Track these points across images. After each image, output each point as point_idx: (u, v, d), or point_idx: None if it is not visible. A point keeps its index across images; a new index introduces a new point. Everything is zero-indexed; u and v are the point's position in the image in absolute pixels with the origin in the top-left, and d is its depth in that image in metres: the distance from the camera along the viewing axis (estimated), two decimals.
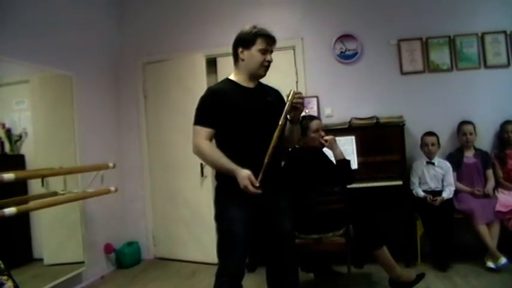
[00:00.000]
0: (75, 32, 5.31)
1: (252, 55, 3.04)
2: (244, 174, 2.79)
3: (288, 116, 2.99)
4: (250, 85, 3.14)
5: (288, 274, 3.25)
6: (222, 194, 3.13)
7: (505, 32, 5.57)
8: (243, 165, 2.87)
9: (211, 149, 2.97)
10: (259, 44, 3.02)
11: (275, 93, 3.28)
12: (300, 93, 2.96)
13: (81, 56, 5.40)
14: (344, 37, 5.82)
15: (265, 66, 3.07)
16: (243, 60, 3.09)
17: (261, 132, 2.92)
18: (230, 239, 3.02)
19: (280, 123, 2.91)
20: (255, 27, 3.08)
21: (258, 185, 2.78)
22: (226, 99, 3.00)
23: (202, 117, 3.03)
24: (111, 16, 6.25)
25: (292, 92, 2.93)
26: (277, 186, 3.14)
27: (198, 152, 3.00)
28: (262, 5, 5.98)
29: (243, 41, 3.07)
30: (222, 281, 3.06)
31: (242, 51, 3.07)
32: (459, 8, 5.64)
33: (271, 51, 3.10)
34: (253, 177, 2.77)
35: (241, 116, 2.99)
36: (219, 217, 3.12)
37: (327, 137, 4.11)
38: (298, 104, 2.94)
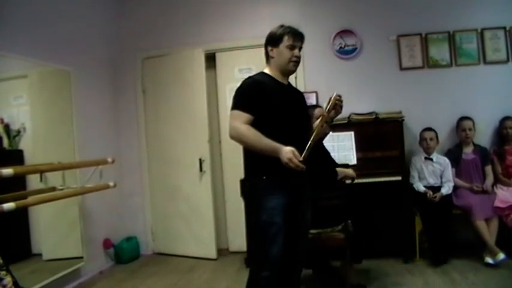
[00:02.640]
0: (73, 27, 5.30)
1: (280, 52, 3.15)
2: (288, 149, 2.81)
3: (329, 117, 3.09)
4: (284, 82, 3.25)
5: (297, 269, 3.35)
6: (261, 188, 3.11)
7: (504, 28, 5.58)
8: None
9: (251, 130, 2.97)
10: (286, 41, 3.13)
11: (302, 94, 3.47)
12: (341, 96, 3.05)
13: (80, 51, 5.39)
14: (343, 32, 5.82)
15: (294, 61, 3.15)
16: (273, 57, 3.20)
17: (295, 126, 3.03)
18: (272, 229, 3.04)
19: (325, 114, 3.02)
20: (282, 26, 3.20)
21: (301, 159, 2.80)
22: (268, 90, 3.08)
23: (243, 103, 3.06)
24: (109, 11, 6.23)
25: (335, 94, 3.04)
26: (307, 175, 3.19)
27: (237, 133, 3.00)
28: (261, 0, 5.98)
29: (272, 40, 3.20)
30: (264, 276, 3.05)
31: (272, 49, 3.20)
32: (459, 3, 5.65)
33: (300, 48, 3.19)
34: (297, 152, 2.80)
35: (281, 108, 3.06)
36: (258, 210, 3.10)
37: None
38: (337, 106, 3.04)
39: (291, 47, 3.12)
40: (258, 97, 3.03)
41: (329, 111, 3.01)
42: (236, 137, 3.03)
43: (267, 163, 2.98)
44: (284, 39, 3.12)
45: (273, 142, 2.87)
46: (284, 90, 3.19)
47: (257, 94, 3.04)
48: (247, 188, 3.25)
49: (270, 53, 3.20)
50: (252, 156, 3.14)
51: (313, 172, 3.63)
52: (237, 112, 3.03)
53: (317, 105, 4.47)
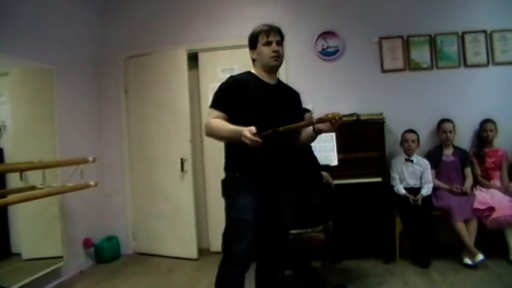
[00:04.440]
0: (56, 25, 5.26)
1: (259, 51, 3.19)
2: (246, 128, 2.76)
3: (317, 126, 3.05)
4: (271, 81, 3.24)
5: (278, 270, 3.32)
6: (232, 184, 3.17)
7: (485, 31, 5.64)
8: (257, 159, 2.98)
9: (218, 121, 3.00)
10: (261, 40, 3.17)
11: (295, 94, 3.47)
12: (341, 118, 2.95)
13: (62, 49, 5.35)
14: (326, 34, 5.84)
15: (274, 56, 3.14)
16: (255, 59, 3.24)
17: (277, 126, 2.88)
18: (241, 226, 3.05)
19: (313, 120, 3.00)
20: (258, 26, 3.24)
21: (255, 132, 2.73)
22: (249, 90, 3.09)
23: (218, 101, 3.10)
24: (93, 9, 6.19)
25: (338, 114, 2.92)
26: (288, 176, 3.23)
27: (208, 128, 3.06)
28: (244, 0, 6.00)
29: (250, 44, 3.27)
30: (229, 271, 3.08)
31: (253, 52, 3.26)
32: (440, 7, 5.70)
33: (278, 42, 3.19)
34: (253, 129, 2.73)
35: (261, 109, 3.05)
36: (230, 206, 3.15)
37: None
38: (333, 123, 2.93)
39: (268, 43, 3.14)
40: (236, 96, 3.05)
41: (321, 120, 2.95)
42: (208, 132, 3.08)
43: (241, 160, 3.04)
44: (259, 38, 3.16)
45: (236, 127, 2.86)
46: (269, 90, 3.19)
47: (235, 93, 3.07)
48: (222, 183, 3.26)
49: (252, 56, 3.25)
50: (228, 152, 3.20)
51: (299, 173, 3.66)
52: (210, 110, 3.10)
53: (307, 110, 4.43)
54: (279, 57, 3.17)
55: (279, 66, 3.25)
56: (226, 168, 3.23)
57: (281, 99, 3.22)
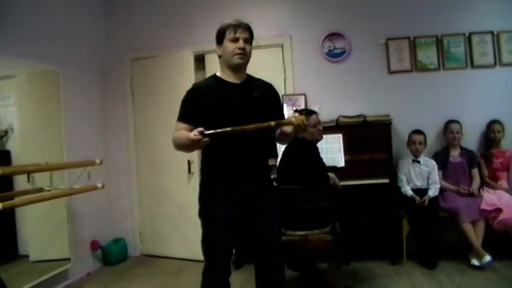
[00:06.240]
0: (63, 27, 5.28)
1: (224, 47, 3.04)
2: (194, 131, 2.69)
3: (282, 128, 2.97)
4: (236, 80, 3.09)
5: (276, 273, 3.23)
6: (205, 190, 3.12)
7: (492, 32, 5.62)
8: (228, 162, 2.93)
9: (178, 132, 2.95)
10: (228, 35, 3.02)
11: (265, 87, 3.24)
12: (304, 123, 2.90)
13: (69, 52, 5.37)
14: (332, 35, 5.83)
15: (238, 53, 3.00)
16: (220, 56, 3.10)
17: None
18: (214, 236, 3.02)
19: (270, 122, 2.81)
20: (227, 21, 3.09)
21: (201, 130, 2.62)
22: (208, 96, 2.99)
23: (182, 113, 3.05)
24: (99, 12, 6.22)
25: (302, 118, 2.87)
26: (263, 184, 3.14)
27: (173, 142, 2.99)
28: (251, 2, 6.01)
29: (217, 38, 3.11)
30: (208, 279, 3.07)
31: (218, 48, 3.10)
32: (447, 8, 5.68)
33: (246, 40, 3.04)
34: (200, 129, 2.65)
35: (224, 112, 2.95)
36: (202, 214, 3.10)
37: None
38: (295, 128, 2.89)
39: (234, 40, 3.00)
40: (197, 104, 2.99)
41: (281, 122, 2.88)
42: (174, 146, 3.01)
43: (214, 169, 2.99)
44: (226, 34, 3.02)
45: (187, 133, 2.77)
46: (232, 90, 3.05)
47: (196, 101, 3.01)
48: (199, 185, 3.20)
49: (218, 52, 3.12)
50: (203, 157, 3.12)
51: (306, 175, 3.64)
52: (176, 123, 3.05)
53: (312, 111, 4.40)
54: (244, 55, 3.02)
55: (244, 64, 3.09)
56: (202, 172, 3.17)
57: (247, 97, 3.05)
